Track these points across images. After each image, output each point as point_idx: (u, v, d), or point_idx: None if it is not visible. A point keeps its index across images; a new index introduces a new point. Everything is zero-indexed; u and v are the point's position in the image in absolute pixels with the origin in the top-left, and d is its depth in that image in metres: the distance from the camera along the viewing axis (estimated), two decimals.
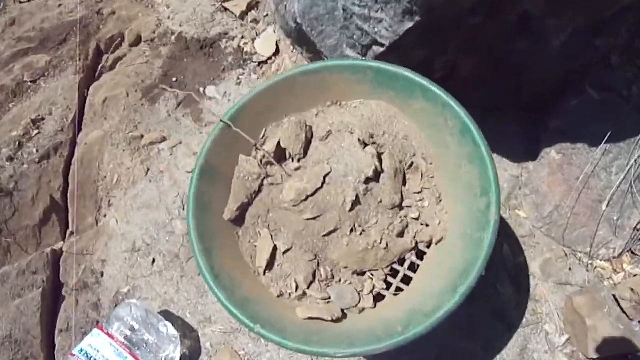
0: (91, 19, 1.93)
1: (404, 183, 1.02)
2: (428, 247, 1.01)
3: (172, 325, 1.35)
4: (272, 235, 1.00)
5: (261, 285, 0.99)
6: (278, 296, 0.98)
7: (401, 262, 1.01)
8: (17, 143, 1.58)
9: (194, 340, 1.39)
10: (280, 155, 1.04)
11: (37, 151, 1.58)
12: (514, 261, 1.40)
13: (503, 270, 1.39)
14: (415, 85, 0.96)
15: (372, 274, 1.00)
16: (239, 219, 1.02)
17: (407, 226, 1.00)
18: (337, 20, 1.26)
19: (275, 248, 0.99)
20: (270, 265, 0.99)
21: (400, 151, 1.02)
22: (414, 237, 1.00)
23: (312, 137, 1.04)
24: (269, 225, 1.01)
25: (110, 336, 1.25)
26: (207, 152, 0.99)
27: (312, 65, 1.02)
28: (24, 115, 1.63)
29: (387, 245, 0.98)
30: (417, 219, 1.01)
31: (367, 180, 0.97)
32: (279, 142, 1.01)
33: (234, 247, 1.01)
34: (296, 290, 0.98)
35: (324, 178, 0.96)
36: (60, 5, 1.96)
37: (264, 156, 1.02)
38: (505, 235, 1.42)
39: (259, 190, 1.02)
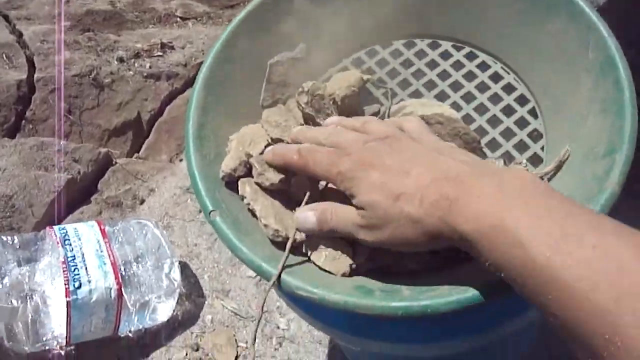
0: None
1: None
2: None
3: (181, 278, 1.04)
4: None
5: None
6: None
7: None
8: (136, 53, 1.48)
9: (196, 307, 1.06)
10: None
11: (150, 68, 1.47)
12: None
13: None
14: None
15: None
16: None
17: None
18: None
19: None
20: None
21: None
22: None
23: None
24: None
25: (104, 235, 0.98)
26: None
27: None
28: (156, 36, 1.55)
29: None
30: None
31: None
32: None
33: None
34: None
35: None
36: None
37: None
38: None
39: None
